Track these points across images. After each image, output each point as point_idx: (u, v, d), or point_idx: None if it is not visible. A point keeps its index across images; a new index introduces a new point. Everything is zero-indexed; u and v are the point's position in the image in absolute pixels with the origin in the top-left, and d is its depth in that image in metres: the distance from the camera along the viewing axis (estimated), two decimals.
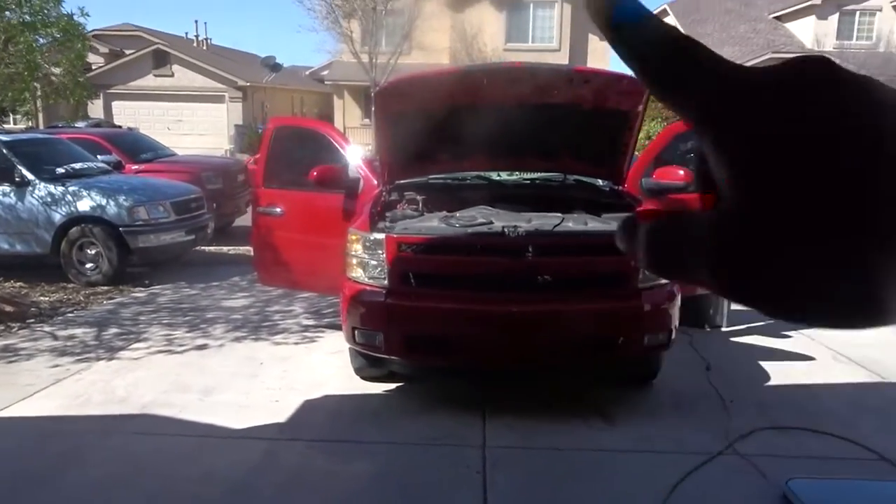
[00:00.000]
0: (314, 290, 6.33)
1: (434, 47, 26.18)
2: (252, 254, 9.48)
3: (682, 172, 5.13)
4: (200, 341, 5.69)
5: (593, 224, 4.21)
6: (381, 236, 4.04)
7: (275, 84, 31.56)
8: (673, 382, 4.60)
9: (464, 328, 3.94)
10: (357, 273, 4.18)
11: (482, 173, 5.29)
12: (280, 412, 4.21)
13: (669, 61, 0.32)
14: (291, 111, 35.67)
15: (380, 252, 4.05)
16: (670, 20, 31.65)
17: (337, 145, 5.72)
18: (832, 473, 3.45)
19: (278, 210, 5.60)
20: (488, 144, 4.90)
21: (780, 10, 29.51)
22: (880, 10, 27.34)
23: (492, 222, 4.15)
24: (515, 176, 5.41)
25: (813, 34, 26.71)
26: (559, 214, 4.35)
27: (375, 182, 5.34)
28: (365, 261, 4.13)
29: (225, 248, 10.50)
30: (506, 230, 3.95)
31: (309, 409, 4.28)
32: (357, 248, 4.18)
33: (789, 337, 5.93)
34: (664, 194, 5.08)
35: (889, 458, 3.58)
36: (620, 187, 4.99)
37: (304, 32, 31.57)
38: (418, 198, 4.79)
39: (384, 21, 25.18)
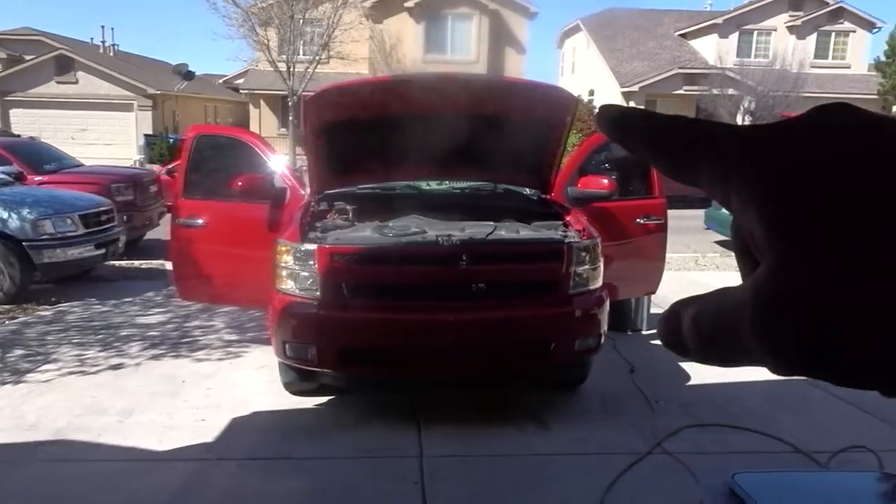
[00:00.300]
0: (237, 304, 6.14)
1: (353, 57, 26.04)
2: (170, 267, 9.20)
3: (605, 181, 5.28)
4: (115, 361, 5.40)
5: (525, 232, 4.27)
6: (312, 247, 3.96)
7: (187, 92, 30.60)
8: (601, 385, 4.70)
9: (400, 338, 3.90)
10: (287, 285, 4.08)
11: (412, 183, 5.28)
12: (206, 432, 4.05)
13: (682, 141, 0.31)
14: (204, 120, 34.64)
15: (311, 263, 3.97)
16: (582, 35, 32.76)
17: (261, 154, 5.58)
18: (753, 467, 3.61)
19: (199, 221, 5.39)
20: (418, 154, 4.89)
21: (685, 28, 31.04)
22: (775, 30, 29.21)
23: (425, 231, 4.14)
24: (445, 185, 5.42)
25: (716, 52, 28.18)
26: (491, 223, 4.39)
27: (303, 192, 5.24)
28: (295, 272, 4.03)
29: (137, 263, 10.04)
30: (440, 239, 3.95)
31: (237, 427, 4.13)
32: (287, 260, 4.07)
33: None
34: (589, 203, 5.21)
35: (804, 451, 3.79)
36: (548, 196, 5.08)
37: (219, 40, 30.74)
38: (348, 208, 4.73)
39: (302, 30, 24.87)
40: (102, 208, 8.56)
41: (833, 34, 29.48)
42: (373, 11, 27.04)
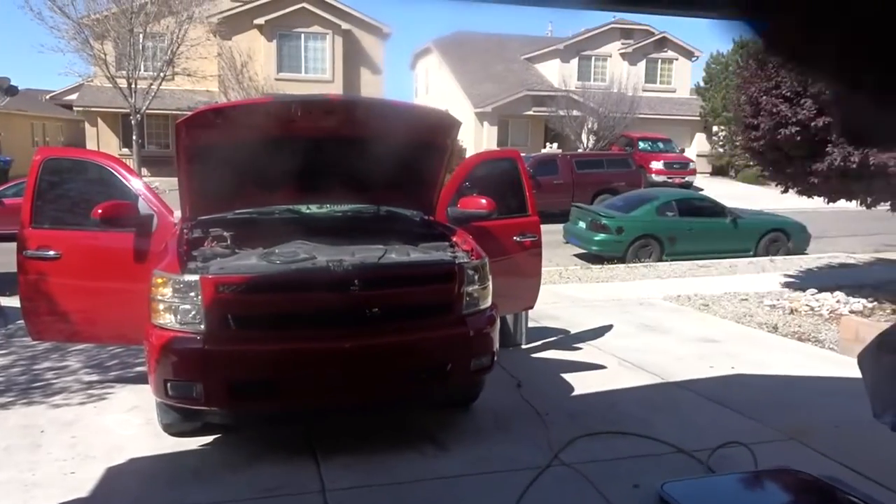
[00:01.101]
0: (98, 341, 5.64)
1: (201, 74, 24.95)
2: (13, 304, 8.28)
3: (483, 201, 5.41)
4: None
5: (415, 254, 4.27)
6: (194, 277, 3.72)
7: (10, 109, 27.85)
8: (491, 402, 4.78)
9: (294, 369, 3.75)
10: (166, 319, 3.80)
11: (292, 207, 5.12)
12: (79, 486, 3.66)
13: None
14: (32, 139, 31.77)
15: (193, 295, 3.73)
16: (434, 57, 33.54)
17: (121, 178, 5.18)
18: (643, 471, 3.82)
19: (51, 253, 4.90)
20: (298, 177, 4.77)
21: (530, 52, 32.68)
22: (611, 56, 31.51)
23: (314, 257, 4.02)
24: (326, 209, 5.31)
25: (559, 75, 29.92)
26: (381, 246, 4.35)
27: (171, 218, 4.93)
28: (175, 305, 3.77)
29: None
30: (330, 264, 3.85)
31: (114, 478, 3.77)
32: (165, 292, 3.80)
33: (580, 349, 6.50)
34: (468, 222, 5.31)
35: (685, 450, 4.06)
36: (431, 217, 5.12)
37: (47, 53, 28.05)
38: (226, 234, 4.49)
39: (143, 44, 23.49)
40: None
41: (659, 61, 32.29)
42: (221, 28, 26.10)
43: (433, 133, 4.63)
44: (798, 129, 7.12)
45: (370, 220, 5.10)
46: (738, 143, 28.32)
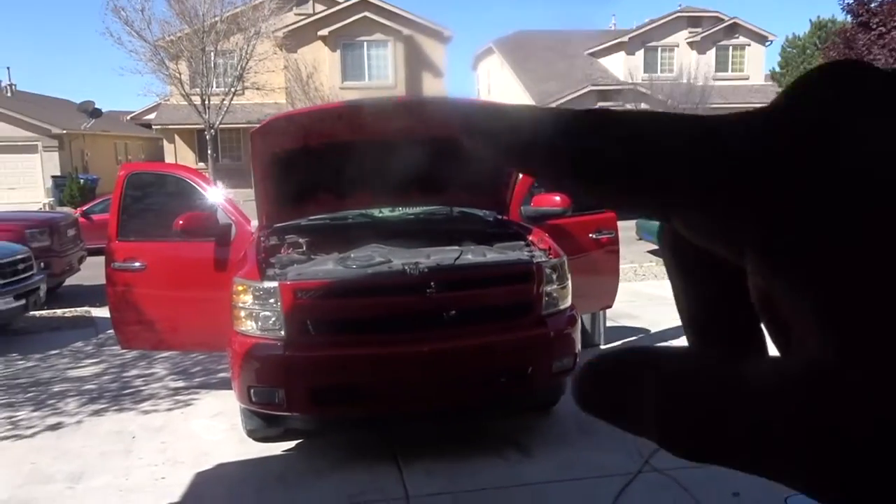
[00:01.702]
0: (183, 349, 5.80)
1: (269, 87, 25.63)
2: (97, 314, 8.65)
3: (558, 198, 5.27)
4: (52, 420, 4.97)
5: (492, 255, 4.19)
6: (274, 284, 3.75)
7: (95, 130, 29.33)
8: (572, 405, 4.59)
9: (374, 373, 3.73)
10: (248, 326, 3.84)
11: (364, 211, 5.12)
12: (169, 491, 3.74)
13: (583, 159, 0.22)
14: (115, 158, 33.30)
15: (273, 301, 3.75)
16: (496, 58, 33.41)
17: (200, 189, 5.31)
18: (741, 478, 3.61)
19: (137, 264, 5.06)
20: (371, 181, 4.76)
21: (594, 47, 32.14)
22: (678, 46, 30.64)
23: (390, 261, 3.99)
24: (398, 212, 5.29)
25: (625, 68, 29.31)
26: (456, 247, 4.28)
27: (249, 227, 5.01)
28: (256, 312, 3.80)
29: (60, 311, 9.39)
30: (407, 268, 3.81)
31: (203, 483, 3.83)
32: (246, 299, 3.84)
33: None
34: (543, 220, 5.19)
35: None
36: (505, 216, 5.03)
37: (127, 75, 29.57)
38: (301, 240, 4.52)
39: (214, 62, 24.31)
40: (19, 256, 7.97)
41: (730, 48, 31.18)
42: (286, 41, 26.73)
43: None
44: None
45: (443, 222, 5.05)
46: None
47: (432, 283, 3.77)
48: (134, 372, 6.24)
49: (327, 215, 5.02)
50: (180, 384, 5.74)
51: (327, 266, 4.01)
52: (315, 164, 4.50)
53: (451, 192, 4.99)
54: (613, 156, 0.21)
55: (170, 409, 5.10)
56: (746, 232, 0.20)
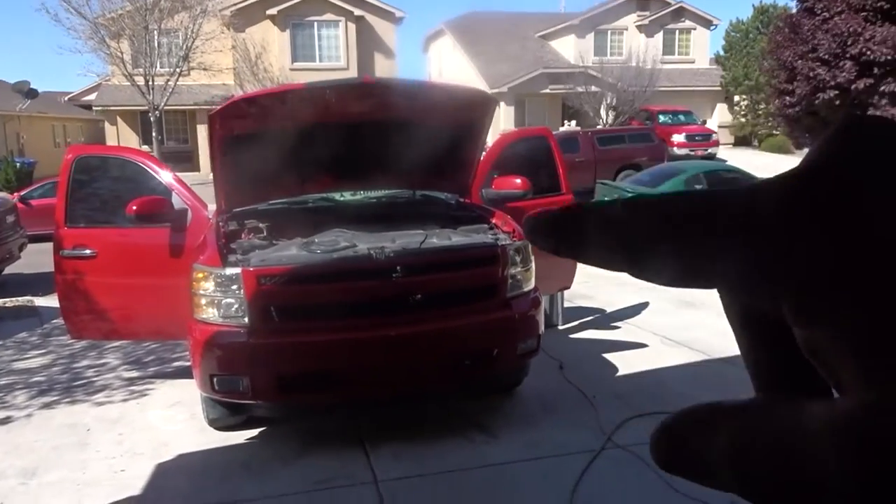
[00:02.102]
0: (137, 337, 5.65)
1: (216, 67, 24.95)
2: (44, 303, 8.35)
3: (519, 181, 5.29)
4: (0, 414, 4.78)
5: (457, 238, 4.18)
6: (236, 270, 3.66)
7: (30, 112, 28.10)
8: (534, 386, 4.69)
9: (340, 359, 3.69)
10: (209, 313, 3.75)
11: (326, 194, 5.05)
12: (129, 483, 3.64)
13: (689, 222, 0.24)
14: (53, 141, 32.05)
15: (235, 288, 3.67)
16: (447, 39, 33.25)
17: (153, 173, 5.14)
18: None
19: (87, 251, 4.89)
20: (331, 164, 4.69)
21: (545, 29, 32.26)
22: (626, 30, 31.03)
23: (355, 245, 3.94)
24: (360, 195, 5.23)
25: (575, 51, 29.52)
26: (421, 231, 4.26)
27: (205, 212, 4.88)
28: (218, 299, 3.72)
29: (1, 301, 9.03)
30: (372, 252, 3.78)
31: (164, 474, 3.75)
32: (207, 286, 3.75)
33: (619, 328, 6.39)
34: (504, 203, 5.20)
35: None
36: (467, 199, 5.03)
37: (65, 54, 28.14)
38: (262, 225, 4.44)
39: (158, 41, 23.51)
40: None
41: (677, 32, 31.72)
42: (234, 20, 26.02)
43: (469, 112, 4.52)
44: (837, 92, 6.91)
45: (406, 205, 5.02)
46: (760, 111, 27.85)
47: (398, 268, 3.75)
48: (84, 363, 6.05)
49: (287, 199, 4.93)
50: (134, 374, 5.60)
51: (291, 251, 3.94)
52: (275, 146, 4.40)
53: (414, 175, 4.95)
54: (666, 259, 0.24)
55: (125, 400, 4.97)
56: (784, 287, 0.22)
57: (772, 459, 0.21)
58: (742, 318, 0.26)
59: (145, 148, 24.84)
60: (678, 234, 0.24)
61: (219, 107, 4.13)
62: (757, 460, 0.21)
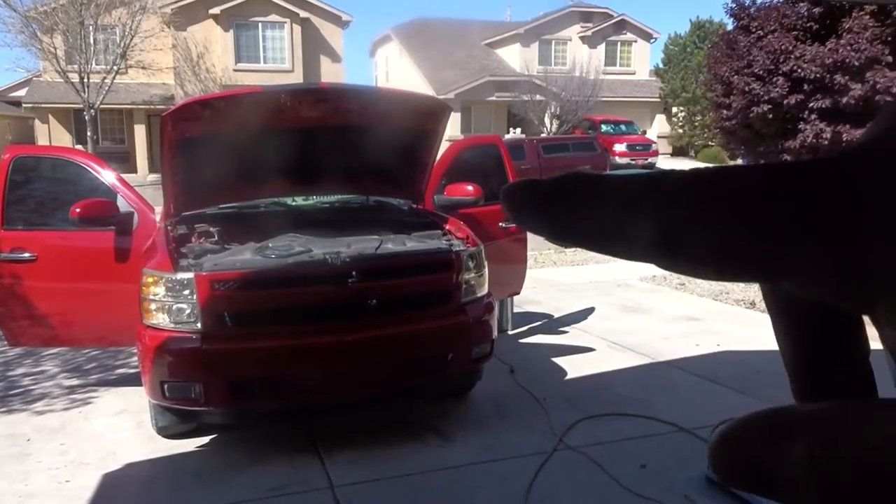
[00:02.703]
0: (78, 344, 5.46)
1: (155, 66, 24.33)
2: None
3: (470, 188, 5.36)
4: None
5: (412, 244, 4.21)
6: (188, 275, 3.61)
7: None
8: (487, 390, 4.75)
9: (295, 364, 3.68)
10: (159, 319, 3.68)
11: (278, 199, 5.01)
12: (75, 494, 3.53)
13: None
14: None
15: (188, 293, 3.61)
16: (394, 45, 33.25)
17: (96, 174, 5.00)
18: (648, 451, 3.86)
19: (26, 255, 4.72)
20: (284, 168, 4.66)
21: (490, 37, 32.62)
22: (570, 40, 31.66)
23: (310, 250, 3.93)
24: (312, 200, 5.21)
25: (521, 60, 29.95)
26: (376, 237, 4.28)
27: (152, 215, 4.78)
28: (169, 305, 3.65)
29: None
30: (328, 257, 3.78)
31: (111, 485, 3.65)
32: (157, 291, 3.68)
33: (566, 332, 6.52)
34: (455, 209, 5.26)
35: (686, 429, 4.10)
36: (420, 206, 5.07)
37: None
38: (213, 229, 4.37)
39: (94, 37, 22.78)
40: None
41: (619, 44, 32.56)
42: (175, 18, 25.44)
43: (423, 119, 4.56)
44: (770, 106, 7.24)
45: (359, 211, 5.03)
46: (697, 123, 28.78)
47: (354, 273, 3.76)
48: (20, 370, 5.82)
49: (239, 204, 4.88)
50: (75, 382, 5.42)
51: (245, 256, 3.90)
52: (228, 150, 4.35)
53: (367, 180, 4.97)
54: (719, 233, 0.21)
55: (66, 409, 4.81)
56: (879, 288, 0.19)
57: (868, 468, 0.19)
58: (798, 316, 0.24)
59: (79, 147, 24.02)
60: (739, 218, 0.20)
61: (172, 108, 4.06)
62: (847, 470, 0.19)
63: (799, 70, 7.02)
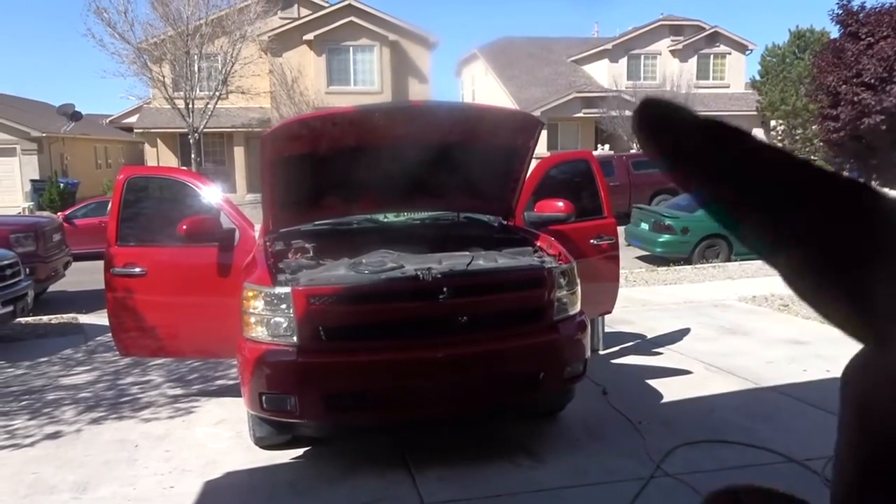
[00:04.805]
0: (182, 356, 5.72)
1: (254, 91, 25.48)
2: (88, 320, 8.52)
3: (561, 204, 5.29)
4: (50, 429, 4.87)
5: (503, 260, 4.18)
6: (286, 290, 3.71)
7: (74, 134, 28.91)
8: (579, 411, 4.64)
9: (387, 379, 3.71)
10: (258, 332, 3.79)
11: (370, 216, 5.10)
12: (179, 500, 3.67)
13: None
14: (95, 162, 32.92)
15: (285, 307, 3.71)
16: (480, 64, 33.50)
17: (201, 194, 5.25)
18: (752, 481, 3.64)
19: (137, 270, 4.99)
20: (376, 186, 4.74)
21: (577, 54, 32.35)
22: (660, 54, 30.97)
23: (402, 266, 3.97)
24: (403, 217, 5.28)
25: (608, 76, 29.52)
26: (467, 253, 4.27)
27: (252, 232, 4.96)
28: (267, 318, 3.76)
29: (46, 318, 9.24)
30: (420, 273, 3.79)
31: (213, 492, 3.77)
32: (256, 305, 3.80)
33: (661, 354, 6.30)
34: (546, 226, 5.19)
35: (796, 460, 3.85)
36: (511, 222, 5.03)
37: (109, 78, 28.97)
38: (308, 245, 4.49)
39: (198, 65, 24.10)
40: (6, 262, 7.83)
41: (712, 56, 31.56)
42: (272, 45, 26.59)
43: (514, 135, 4.54)
44: (883, 117, 6.79)
45: (450, 227, 5.05)
46: (798, 136, 27.45)
47: (445, 289, 3.76)
48: (129, 380, 6.14)
49: (332, 220, 4.99)
50: (179, 392, 5.66)
51: (339, 271, 3.98)
52: (323, 168, 4.48)
53: (457, 197, 4.99)
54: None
55: (171, 417, 5.02)
56: None
57: None
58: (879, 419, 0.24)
59: (183, 169, 25.39)
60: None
61: (270, 129, 4.21)
62: None
63: None
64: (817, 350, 6.17)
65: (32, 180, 24.71)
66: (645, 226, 12.73)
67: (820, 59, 7.80)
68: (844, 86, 7.07)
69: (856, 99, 6.85)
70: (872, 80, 6.74)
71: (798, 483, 3.56)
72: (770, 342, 6.52)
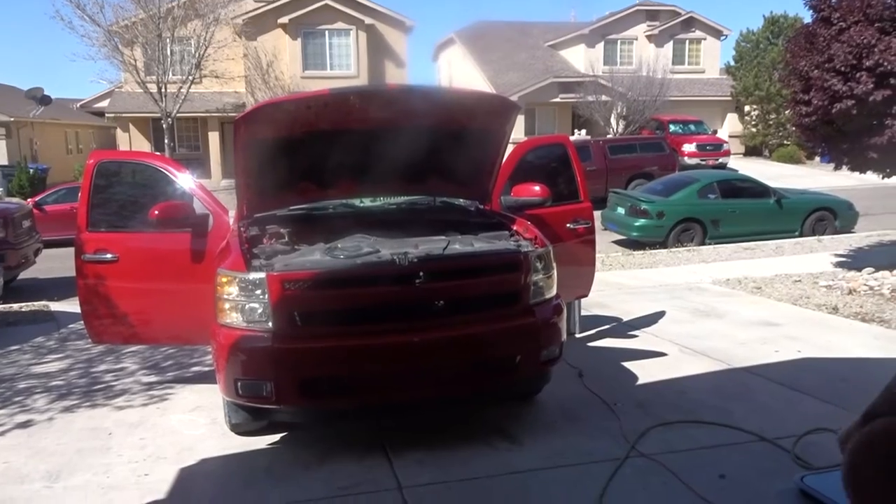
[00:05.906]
0: (156, 342, 5.66)
1: (228, 75, 25.14)
2: (58, 308, 8.39)
3: (537, 188, 5.29)
4: (21, 417, 4.80)
5: (480, 244, 4.18)
6: (261, 275, 3.67)
7: (44, 118, 28.34)
8: (555, 393, 4.67)
9: (363, 364, 3.69)
10: (233, 318, 3.76)
11: (346, 200, 5.06)
12: (154, 487, 3.64)
13: None
14: (66, 147, 32.31)
15: (260, 293, 3.68)
16: (457, 48, 33.35)
17: (174, 179, 5.16)
18: (726, 461, 3.70)
19: (109, 256, 4.90)
20: (352, 170, 4.71)
21: (554, 39, 32.34)
22: (636, 39, 31.08)
23: (378, 251, 3.95)
24: (379, 202, 5.25)
25: (585, 60, 29.58)
26: (443, 237, 4.26)
27: (226, 217, 4.90)
28: (242, 304, 3.72)
29: (17, 306, 9.09)
30: (396, 258, 3.78)
31: (188, 479, 3.75)
32: (231, 291, 3.76)
33: (636, 336, 6.36)
34: (522, 210, 5.20)
35: (768, 438, 3.92)
36: (487, 206, 5.03)
37: (79, 61, 28.35)
38: (283, 231, 4.45)
39: (171, 49, 23.68)
40: None
41: (687, 42, 31.76)
42: (246, 28, 26.22)
43: (491, 118, 4.52)
44: (853, 102, 6.87)
45: (426, 212, 5.03)
46: (771, 121, 27.76)
47: (421, 273, 3.75)
48: (102, 367, 6.07)
49: (308, 205, 4.95)
50: (153, 379, 5.61)
51: (315, 256, 3.95)
52: (298, 152, 4.43)
53: (433, 181, 4.96)
54: None
55: (145, 405, 4.97)
56: None
57: None
58: None
59: (156, 154, 25.00)
60: None
61: (244, 112, 4.15)
62: None
63: (886, 64, 6.63)
64: (788, 331, 6.27)
65: (1, 166, 24.18)
66: (621, 210, 12.82)
67: (792, 43, 7.87)
68: (816, 71, 7.13)
69: (826, 85, 6.92)
70: (843, 68, 6.81)
71: (769, 461, 3.63)
72: (743, 324, 6.62)
